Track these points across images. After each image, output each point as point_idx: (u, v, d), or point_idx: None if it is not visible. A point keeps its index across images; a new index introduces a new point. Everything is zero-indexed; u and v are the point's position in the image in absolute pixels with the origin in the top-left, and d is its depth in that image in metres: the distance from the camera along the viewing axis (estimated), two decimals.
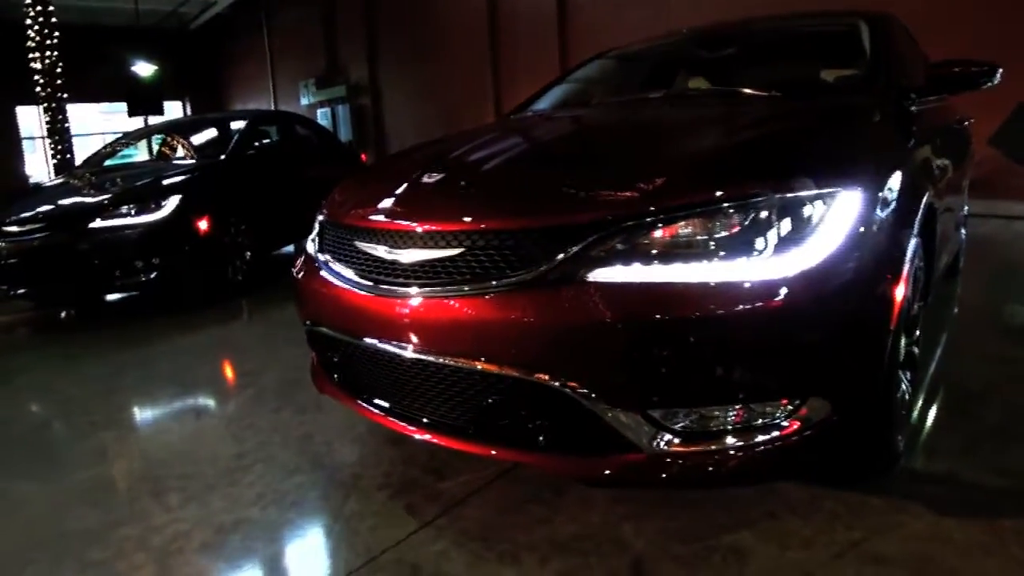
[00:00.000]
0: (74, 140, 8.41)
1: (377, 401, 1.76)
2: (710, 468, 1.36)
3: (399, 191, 1.69)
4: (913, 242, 1.61)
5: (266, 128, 6.39)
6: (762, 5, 4.19)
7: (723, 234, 1.32)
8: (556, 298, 1.31)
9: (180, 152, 6.37)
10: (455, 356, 1.43)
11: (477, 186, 1.65)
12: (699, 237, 1.32)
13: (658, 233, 1.33)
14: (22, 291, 4.38)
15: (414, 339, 1.49)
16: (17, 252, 4.22)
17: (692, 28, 3.32)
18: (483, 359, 1.38)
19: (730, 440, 1.36)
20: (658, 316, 1.26)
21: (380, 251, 1.60)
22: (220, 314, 4.39)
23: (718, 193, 1.34)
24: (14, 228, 4.23)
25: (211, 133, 6.19)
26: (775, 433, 1.36)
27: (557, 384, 1.32)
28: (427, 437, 1.62)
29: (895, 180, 1.59)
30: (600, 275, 1.31)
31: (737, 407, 1.35)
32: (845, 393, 1.43)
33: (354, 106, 13.07)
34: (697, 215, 1.33)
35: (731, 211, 1.33)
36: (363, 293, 1.62)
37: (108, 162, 5.91)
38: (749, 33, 2.99)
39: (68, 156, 7.87)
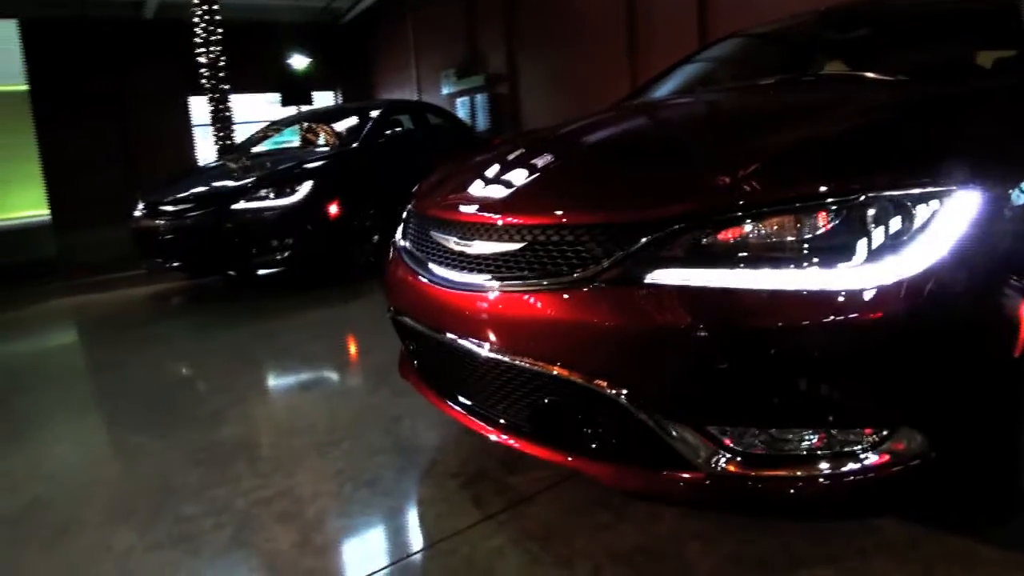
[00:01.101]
0: (240, 127, 9.29)
1: (442, 389, 1.76)
2: (775, 496, 1.22)
3: (472, 182, 1.67)
4: None
5: (399, 117, 6.63)
6: None
7: (803, 236, 1.17)
8: (607, 298, 1.23)
9: (321, 139, 6.79)
10: (509, 353, 1.38)
11: (545, 179, 1.58)
12: (774, 238, 1.18)
13: (725, 234, 1.20)
14: (176, 264, 4.86)
15: (473, 332, 1.46)
16: (172, 229, 4.68)
17: (832, 6, 3.02)
18: (534, 357, 1.33)
19: (799, 469, 1.21)
20: (721, 323, 1.14)
21: (451, 242, 1.59)
22: (344, 294, 4.63)
23: (793, 192, 1.19)
24: (170, 207, 4.70)
25: (348, 122, 6.52)
26: (854, 466, 1.19)
27: (609, 389, 1.24)
28: (481, 429, 1.59)
29: None
30: (658, 277, 1.20)
31: (809, 433, 1.20)
32: (947, 427, 1.22)
33: (492, 95, 13.26)
34: (771, 214, 1.18)
35: (812, 210, 1.17)
36: (432, 283, 1.62)
37: (256, 148, 6.39)
38: (893, 11, 2.66)
39: (229, 142, 8.62)
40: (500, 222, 1.45)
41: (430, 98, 14.74)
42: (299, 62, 13.25)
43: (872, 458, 1.21)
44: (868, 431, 1.21)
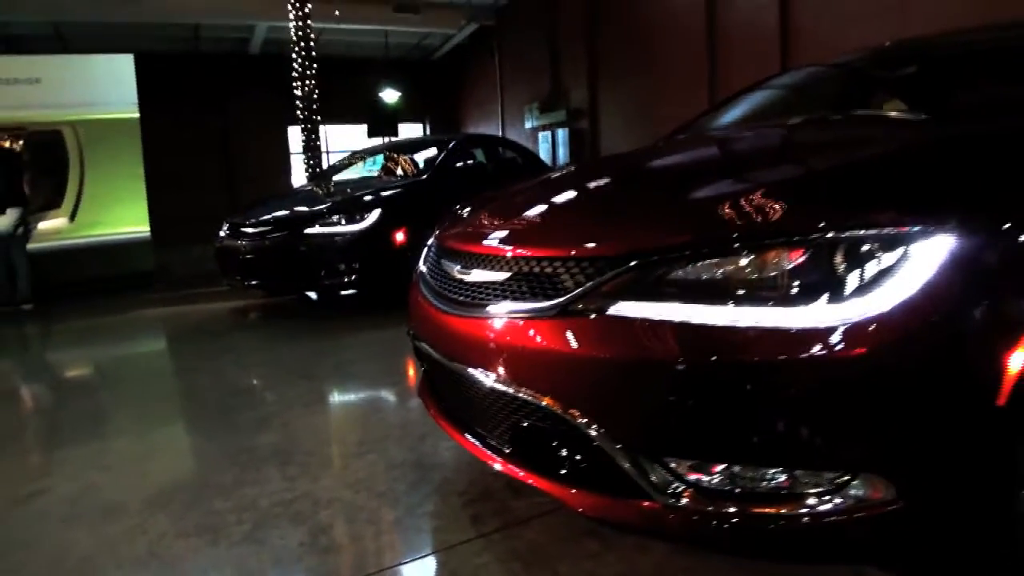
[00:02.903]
0: (335, 155, 9.89)
1: (441, 407, 1.87)
2: (729, 533, 1.23)
3: (483, 216, 1.78)
4: None
5: (473, 149, 6.90)
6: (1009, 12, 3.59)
7: (764, 274, 1.19)
8: (571, 328, 1.29)
9: (399, 169, 7.15)
10: (489, 375, 1.47)
11: (534, 214, 1.68)
12: (730, 275, 1.21)
13: (683, 270, 1.25)
14: (254, 282, 5.22)
15: (463, 355, 1.57)
16: (252, 250, 5.04)
17: (895, 43, 2.97)
18: (507, 380, 1.40)
19: (755, 507, 1.22)
20: (675, 357, 1.19)
21: (455, 270, 1.70)
22: (403, 317, 4.82)
23: (757, 230, 1.22)
24: (251, 229, 5.07)
25: (425, 153, 6.84)
26: (812, 508, 1.19)
27: (569, 415, 1.30)
28: (468, 445, 1.67)
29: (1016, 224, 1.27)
30: (619, 309, 1.25)
31: (767, 471, 1.22)
32: (918, 477, 1.19)
33: (573, 129, 13.47)
34: (730, 252, 1.22)
35: (775, 248, 1.20)
36: (438, 308, 1.73)
37: (338, 176, 6.79)
38: (961, 45, 2.57)
39: (318, 170, 9.18)
40: (492, 253, 1.56)
41: (514, 131, 15.11)
42: (389, 95, 14.00)
43: (831, 503, 1.21)
44: (829, 474, 1.21)
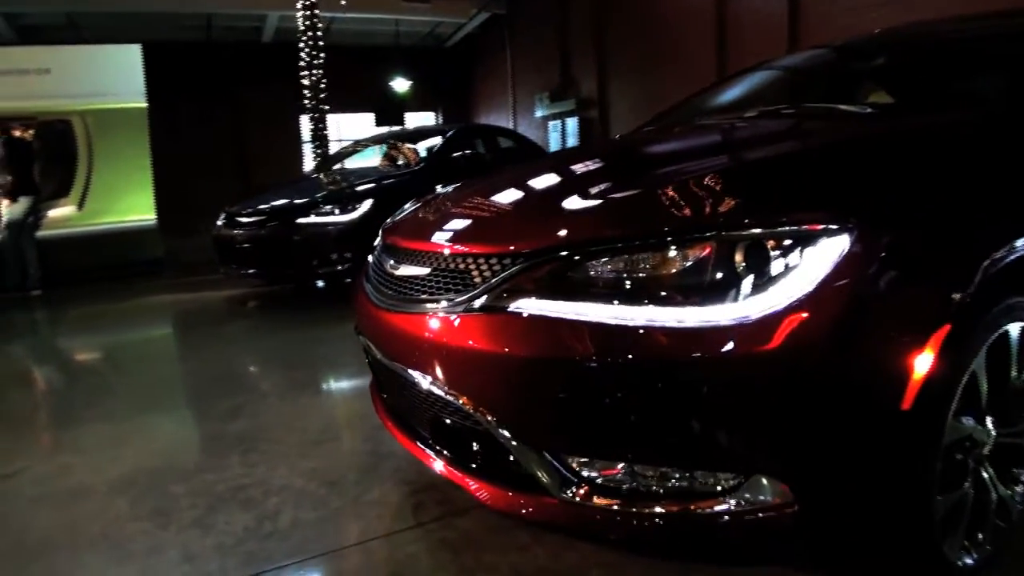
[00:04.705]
0: (343, 144, 10.01)
1: (380, 393, 1.92)
2: (623, 528, 1.27)
3: (420, 210, 1.83)
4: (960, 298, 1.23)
5: (471, 139, 6.92)
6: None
7: (657, 272, 1.21)
8: (475, 324, 1.33)
9: (400, 159, 7.20)
10: (408, 365, 1.52)
11: (461, 210, 1.72)
12: (620, 273, 1.23)
13: (575, 268, 1.27)
14: (252, 271, 5.31)
15: (393, 350, 1.62)
16: (247, 239, 5.14)
17: (864, 35, 2.94)
18: (423, 372, 1.45)
19: (650, 504, 1.25)
20: (568, 354, 1.22)
21: (387, 264, 1.75)
22: None
23: (653, 229, 1.24)
24: (245, 219, 5.16)
25: (424, 143, 6.89)
26: (704, 509, 1.22)
27: (472, 408, 1.34)
28: (394, 431, 1.75)
29: (929, 222, 1.27)
30: (518, 306, 1.29)
31: (662, 470, 1.25)
32: (816, 481, 1.21)
33: (582, 118, 13.43)
34: (618, 251, 1.24)
35: (669, 247, 1.21)
36: (374, 302, 1.78)
37: (339, 165, 6.86)
38: (938, 36, 2.51)
39: (321, 159, 9.26)
40: (417, 248, 1.61)
41: (524, 121, 15.09)
42: (400, 84, 14.05)
43: (725, 503, 1.23)
44: (722, 474, 1.24)
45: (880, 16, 6.85)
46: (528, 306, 1.29)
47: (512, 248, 1.36)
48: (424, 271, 1.55)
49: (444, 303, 1.42)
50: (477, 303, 1.35)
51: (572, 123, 13.82)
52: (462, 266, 1.44)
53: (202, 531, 1.88)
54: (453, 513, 1.90)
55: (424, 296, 1.51)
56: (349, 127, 15.12)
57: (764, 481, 1.22)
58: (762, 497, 1.22)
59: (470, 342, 1.34)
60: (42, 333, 5.37)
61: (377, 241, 2.10)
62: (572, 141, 13.71)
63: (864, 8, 7.15)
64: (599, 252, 1.27)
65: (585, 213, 1.43)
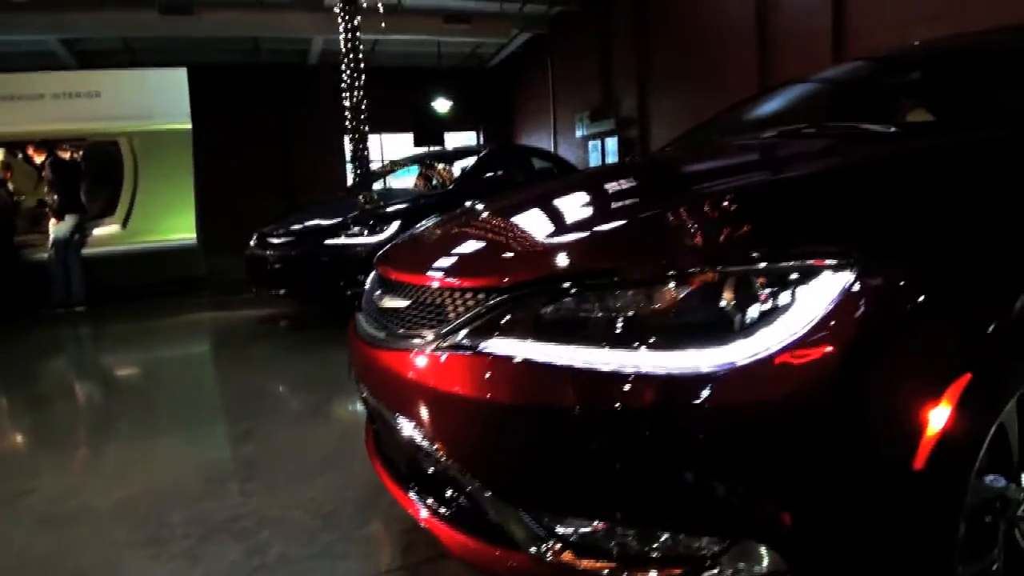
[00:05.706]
0: (382, 164, 10.14)
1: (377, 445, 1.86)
2: None
3: (411, 240, 1.78)
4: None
5: (504, 160, 6.91)
6: None
7: (638, 312, 1.12)
8: (449, 363, 1.26)
9: (434, 179, 7.25)
10: (384, 401, 1.48)
11: (444, 241, 1.67)
12: (594, 314, 1.14)
13: (543, 304, 1.19)
14: (283, 291, 5.37)
15: (373, 384, 1.57)
16: (279, 260, 5.20)
17: (904, 47, 2.79)
18: (399, 411, 1.39)
19: (629, 569, 1.14)
20: (534, 401, 1.14)
21: (375, 295, 1.71)
22: None
23: (634, 266, 1.16)
24: (276, 239, 5.23)
25: (459, 163, 6.92)
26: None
27: (443, 454, 1.27)
28: (378, 468, 1.70)
29: (948, 253, 1.14)
30: (489, 346, 1.20)
31: (641, 532, 1.15)
32: (813, 548, 1.08)
33: (622, 138, 13.34)
34: (600, 288, 1.16)
35: (652, 285, 1.12)
36: (363, 334, 1.72)
37: (374, 186, 6.93)
38: (969, 50, 2.36)
39: (363, 179, 9.40)
40: (399, 280, 1.56)
41: (565, 141, 15.07)
42: (441, 104, 14.21)
43: (709, 570, 1.13)
44: (706, 538, 1.14)
45: (928, 31, 6.61)
46: (496, 346, 1.21)
47: (485, 282, 1.29)
48: (403, 304, 1.50)
49: (416, 340, 1.36)
50: (447, 342, 1.28)
51: (612, 143, 13.73)
52: (437, 300, 1.38)
53: (190, 562, 1.85)
54: (441, 556, 1.83)
55: (401, 331, 1.46)
56: (392, 146, 15.34)
57: (753, 547, 1.11)
58: (748, 564, 1.12)
59: (436, 382, 1.27)
60: (82, 349, 5.53)
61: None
62: (611, 161, 13.62)
63: (912, 23, 6.91)
64: (574, 289, 1.19)
65: (569, 244, 1.36)
